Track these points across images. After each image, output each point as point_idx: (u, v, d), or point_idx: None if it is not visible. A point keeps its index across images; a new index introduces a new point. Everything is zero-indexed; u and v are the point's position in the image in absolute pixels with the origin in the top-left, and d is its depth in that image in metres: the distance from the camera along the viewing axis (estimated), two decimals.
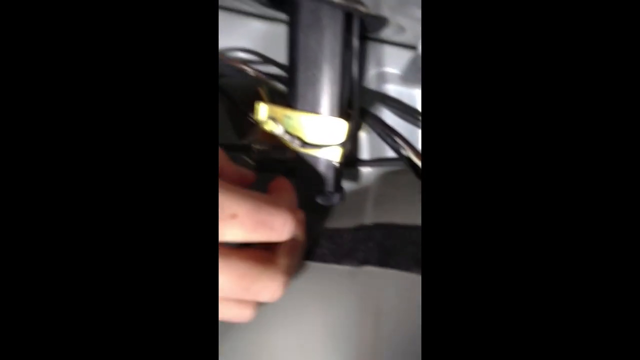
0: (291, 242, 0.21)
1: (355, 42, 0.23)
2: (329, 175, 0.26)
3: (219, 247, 0.18)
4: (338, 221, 0.28)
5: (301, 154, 0.26)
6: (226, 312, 0.20)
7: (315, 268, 0.24)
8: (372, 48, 0.30)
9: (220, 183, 0.19)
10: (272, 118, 0.25)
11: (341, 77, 0.24)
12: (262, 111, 0.25)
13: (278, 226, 0.20)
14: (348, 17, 0.23)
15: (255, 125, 0.27)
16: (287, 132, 0.25)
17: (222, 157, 0.22)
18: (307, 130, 0.25)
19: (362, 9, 0.20)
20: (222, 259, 0.18)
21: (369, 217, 0.26)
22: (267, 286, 0.20)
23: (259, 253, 0.20)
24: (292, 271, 0.21)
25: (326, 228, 0.27)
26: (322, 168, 0.26)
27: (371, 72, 0.31)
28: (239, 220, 0.19)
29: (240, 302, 0.20)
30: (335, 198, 0.27)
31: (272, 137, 0.26)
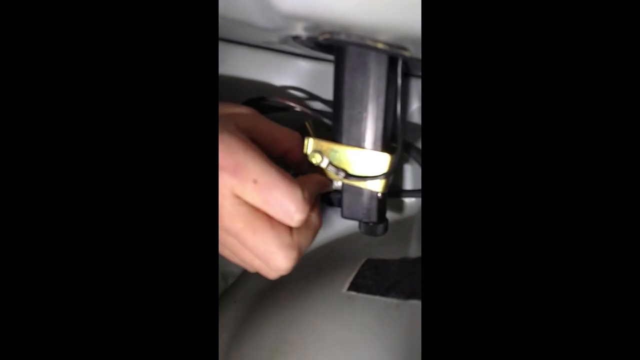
0: (309, 221, 0.22)
1: (399, 82, 0.24)
2: (373, 206, 0.27)
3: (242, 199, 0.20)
4: (381, 250, 0.29)
5: (346, 185, 0.27)
6: (236, 254, 0.21)
7: (361, 299, 0.24)
8: (415, 84, 0.32)
9: (254, 147, 0.21)
10: (318, 151, 0.27)
11: (385, 114, 0.25)
12: (309, 145, 0.27)
13: (288, 210, 0.20)
14: (392, 59, 0.24)
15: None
16: (331, 164, 0.27)
17: (262, 120, 0.24)
18: (352, 163, 0.26)
19: (406, 54, 0.22)
20: (243, 208, 0.20)
21: (414, 249, 0.27)
22: (278, 254, 0.20)
23: (277, 222, 0.21)
24: (303, 250, 0.22)
25: (370, 259, 0.27)
26: (365, 199, 0.27)
27: (414, 107, 0.32)
28: (257, 187, 0.20)
29: (257, 257, 0.21)
30: (379, 229, 0.27)
31: (317, 170, 0.27)
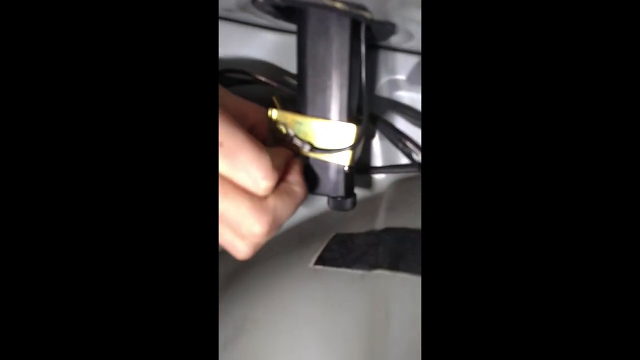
0: (286, 188, 0.21)
1: (363, 49, 0.24)
2: (340, 180, 0.26)
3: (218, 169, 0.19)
4: (350, 227, 0.28)
5: (312, 159, 0.26)
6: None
7: (326, 272, 0.24)
8: (383, 56, 0.31)
9: (221, 110, 0.19)
10: (283, 123, 0.26)
11: (349, 83, 0.24)
12: (273, 116, 0.26)
13: (255, 176, 0.19)
14: (355, 24, 0.23)
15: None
16: (297, 137, 0.26)
17: (227, 94, 0.24)
18: (317, 135, 0.25)
19: (366, 14, 0.21)
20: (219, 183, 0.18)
21: (381, 223, 0.26)
22: (250, 217, 0.19)
23: (250, 191, 0.19)
24: (279, 217, 0.20)
25: (338, 233, 0.27)
26: (332, 172, 0.26)
27: (382, 80, 0.31)
28: (223, 151, 0.19)
29: (228, 226, 0.19)
30: (347, 203, 0.27)
31: (282, 142, 0.26)
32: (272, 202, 0.20)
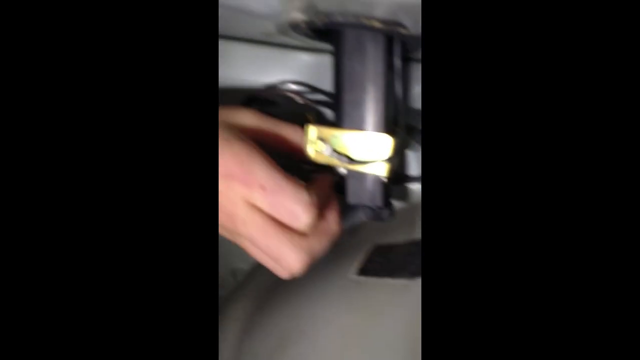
0: (323, 226, 0.23)
1: (397, 62, 0.24)
2: (377, 191, 0.26)
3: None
4: (389, 237, 0.28)
5: (350, 171, 0.27)
6: (256, 253, 0.22)
7: (369, 284, 0.24)
8: (416, 68, 0.31)
9: (261, 152, 0.22)
10: (320, 138, 0.27)
11: (385, 96, 0.25)
12: (311, 133, 0.27)
13: (295, 212, 0.21)
14: (389, 39, 0.24)
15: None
16: (334, 150, 0.26)
17: (265, 122, 0.25)
18: (354, 148, 0.26)
19: (403, 31, 0.22)
20: (255, 214, 0.21)
21: (420, 232, 0.26)
22: (290, 256, 0.21)
23: (287, 227, 0.21)
24: (316, 256, 0.22)
25: (378, 244, 0.27)
26: (369, 184, 0.26)
27: (416, 91, 0.32)
28: (265, 193, 0.21)
29: (270, 258, 0.22)
30: (385, 214, 0.27)
31: (320, 157, 0.27)
32: (310, 242, 0.22)
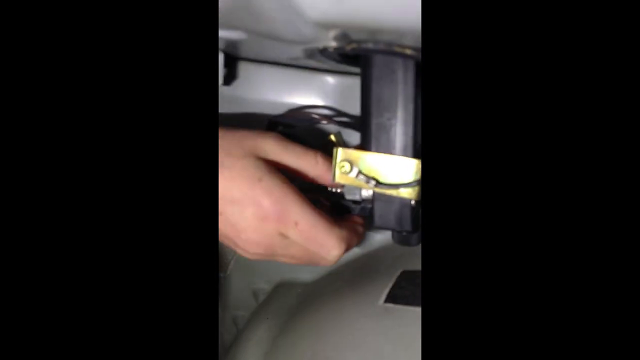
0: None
1: None
2: (406, 214, 0.26)
3: None
4: (413, 262, 0.28)
5: (377, 193, 0.26)
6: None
7: (398, 311, 0.24)
8: None
9: (293, 190, 0.24)
10: (347, 160, 0.27)
11: (414, 120, 0.25)
12: (339, 154, 0.27)
13: (328, 247, 0.24)
14: (418, 63, 0.24)
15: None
16: (361, 172, 0.26)
17: (288, 151, 0.26)
18: (382, 171, 0.26)
19: None
20: (291, 244, 0.24)
21: None
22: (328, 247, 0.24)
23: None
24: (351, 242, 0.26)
25: (406, 271, 0.26)
26: (398, 207, 0.26)
27: None
28: (299, 229, 0.23)
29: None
30: (414, 239, 0.27)
31: (346, 179, 0.27)
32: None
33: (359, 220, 0.28)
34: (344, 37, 0.20)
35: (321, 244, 0.24)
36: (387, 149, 0.26)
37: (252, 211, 0.23)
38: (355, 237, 0.26)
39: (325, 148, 0.33)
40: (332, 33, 0.19)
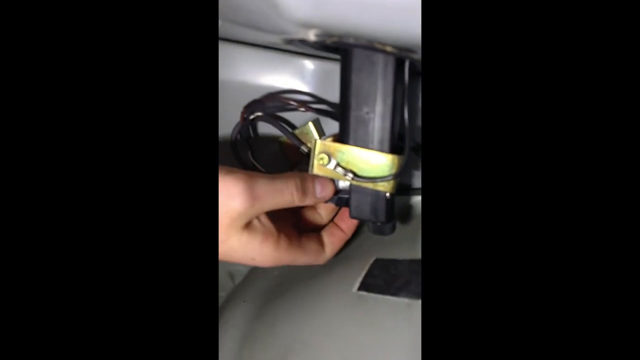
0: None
1: (406, 82, 0.24)
2: (381, 206, 0.27)
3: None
4: (391, 252, 0.29)
5: (354, 185, 0.27)
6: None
7: (372, 299, 0.25)
8: None
9: (282, 235, 0.25)
10: (326, 152, 0.27)
11: (392, 114, 0.25)
12: (317, 147, 0.27)
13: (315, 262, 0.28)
14: (400, 60, 0.24)
15: (307, 157, 0.29)
16: (339, 165, 0.27)
17: (262, 198, 0.24)
18: (360, 164, 0.26)
19: (414, 56, 0.22)
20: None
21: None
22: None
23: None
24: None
25: (378, 258, 0.27)
26: (374, 199, 0.27)
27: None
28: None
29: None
30: (387, 228, 0.28)
31: (324, 170, 0.27)
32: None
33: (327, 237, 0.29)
34: (324, 33, 0.19)
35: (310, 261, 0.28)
36: (365, 143, 0.26)
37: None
38: (315, 254, 0.28)
39: (303, 136, 0.33)
40: (314, 31, 0.19)
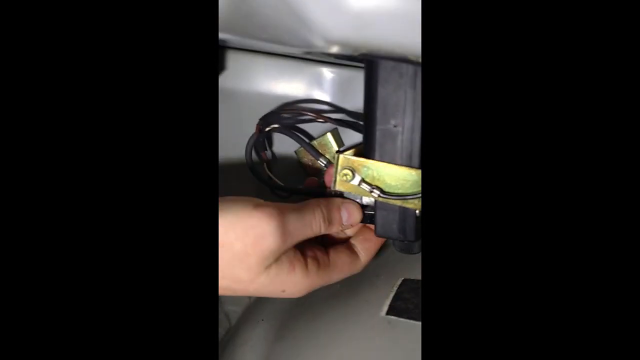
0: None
1: None
2: (410, 225, 0.25)
3: None
4: (417, 269, 0.27)
5: (379, 202, 0.25)
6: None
7: (402, 324, 0.23)
8: None
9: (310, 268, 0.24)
10: (349, 168, 0.25)
11: (421, 127, 0.24)
12: (340, 162, 0.25)
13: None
14: None
15: (330, 172, 0.27)
16: (364, 181, 0.25)
17: (291, 234, 0.23)
18: (387, 180, 0.25)
19: None
20: None
21: None
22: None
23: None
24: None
25: (408, 279, 0.26)
26: (402, 217, 0.25)
27: None
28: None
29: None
30: (416, 247, 0.26)
31: (348, 187, 0.26)
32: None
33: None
34: (357, 49, 0.18)
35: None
36: (392, 158, 0.24)
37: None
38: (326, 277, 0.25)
39: (324, 148, 0.32)
40: (341, 48, 0.17)
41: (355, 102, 0.33)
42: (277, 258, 0.22)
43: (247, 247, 0.21)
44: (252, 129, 0.32)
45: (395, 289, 0.26)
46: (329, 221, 0.24)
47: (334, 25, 0.14)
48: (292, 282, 0.22)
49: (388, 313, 0.24)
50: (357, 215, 0.26)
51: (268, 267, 0.22)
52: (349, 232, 0.28)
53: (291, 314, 0.31)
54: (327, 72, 0.32)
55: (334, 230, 0.25)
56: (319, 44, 0.17)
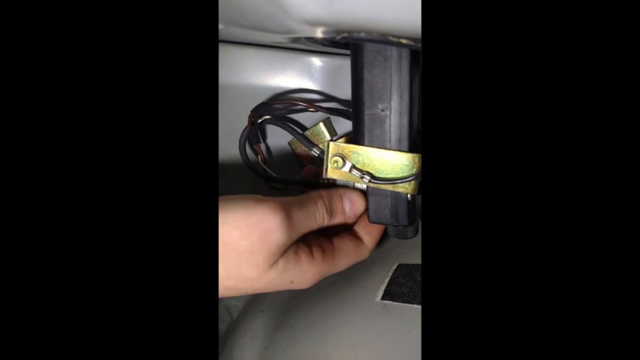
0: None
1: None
2: (402, 209, 0.25)
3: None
4: (412, 254, 0.27)
5: (371, 188, 0.25)
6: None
7: (397, 308, 0.23)
8: None
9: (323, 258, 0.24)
10: (340, 155, 0.25)
11: (409, 110, 0.24)
12: (330, 149, 0.25)
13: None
14: (415, 52, 0.22)
15: (322, 161, 0.27)
16: (355, 167, 0.25)
17: (296, 224, 0.22)
18: (377, 165, 0.25)
19: None
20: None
21: None
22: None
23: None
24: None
25: (403, 264, 0.26)
26: (394, 202, 0.25)
27: None
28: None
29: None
30: (410, 231, 0.26)
31: (339, 174, 0.26)
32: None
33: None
34: (334, 30, 0.18)
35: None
36: (382, 142, 0.24)
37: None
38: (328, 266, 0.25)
39: (316, 138, 0.32)
40: (322, 29, 0.17)
41: (346, 90, 0.32)
42: (284, 252, 0.22)
43: (253, 245, 0.20)
44: (244, 122, 0.32)
45: (390, 274, 0.26)
46: (331, 212, 0.24)
47: (302, 3, 0.14)
48: (299, 273, 0.22)
49: (383, 298, 0.24)
50: (360, 204, 0.25)
51: (275, 262, 0.21)
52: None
53: (290, 304, 0.32)
54: (317, 61, 0.32)
55: (338, 221, 0.25)
56: (296, 27, 0.17)
